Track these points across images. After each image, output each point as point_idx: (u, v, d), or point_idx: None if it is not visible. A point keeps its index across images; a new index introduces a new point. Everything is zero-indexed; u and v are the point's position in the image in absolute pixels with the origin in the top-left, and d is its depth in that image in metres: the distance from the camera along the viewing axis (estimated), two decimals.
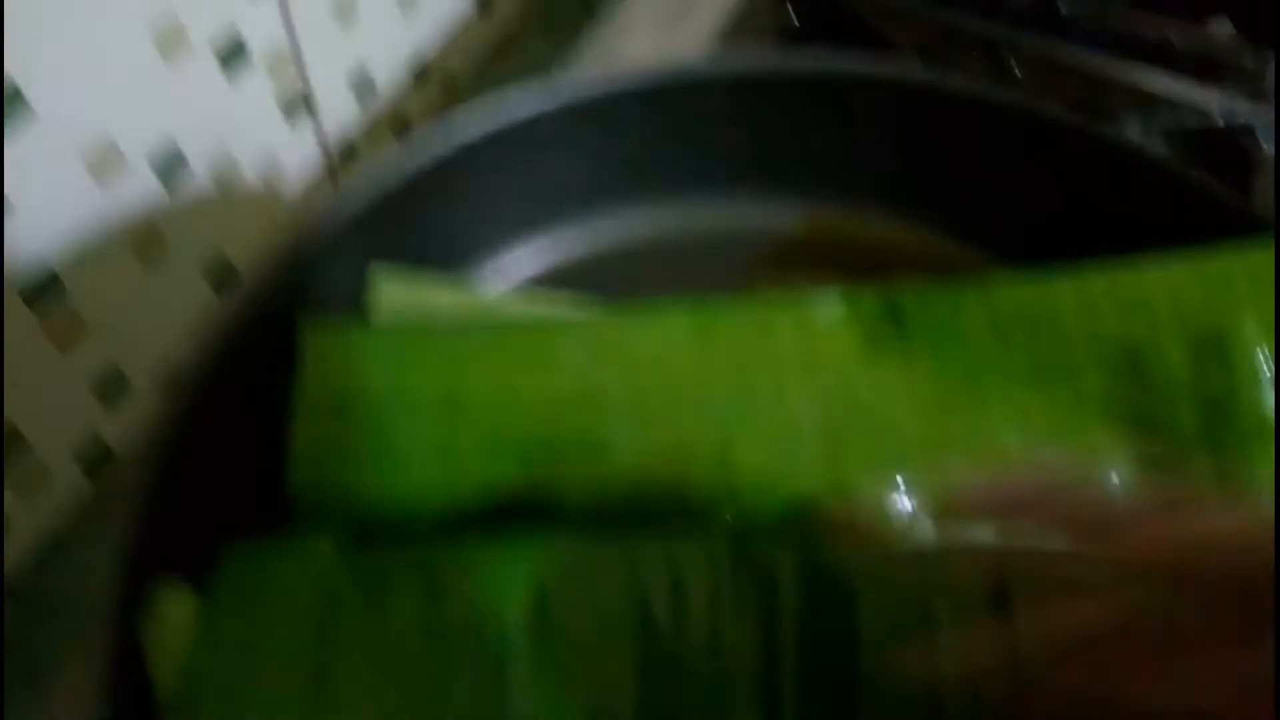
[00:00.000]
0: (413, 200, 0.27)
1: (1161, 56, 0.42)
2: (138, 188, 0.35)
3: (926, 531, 0.23)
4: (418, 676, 0.19)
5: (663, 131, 0.31)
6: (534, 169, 0.30)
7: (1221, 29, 0.43)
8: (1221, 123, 0.38)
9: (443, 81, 0.52)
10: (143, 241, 0.36)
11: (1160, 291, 0.24)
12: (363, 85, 0.46)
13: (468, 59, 0.53)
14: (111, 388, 0.37)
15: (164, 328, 0.39)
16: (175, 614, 0.20)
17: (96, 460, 0.38)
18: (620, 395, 0.24)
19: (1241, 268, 0.24)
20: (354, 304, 0.27)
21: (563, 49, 0.55)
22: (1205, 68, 0.41)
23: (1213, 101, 0.40)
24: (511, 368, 0.24)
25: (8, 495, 0.34)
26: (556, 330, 0.25)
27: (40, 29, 0.29)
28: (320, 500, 0.23)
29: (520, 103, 0.29)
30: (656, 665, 0.20)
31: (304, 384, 0.23)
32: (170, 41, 0.34)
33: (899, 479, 0.23)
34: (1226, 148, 0.38)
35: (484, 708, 0.19)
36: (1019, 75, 0.41)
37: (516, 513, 0.23)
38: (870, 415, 0.24)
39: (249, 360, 0.24)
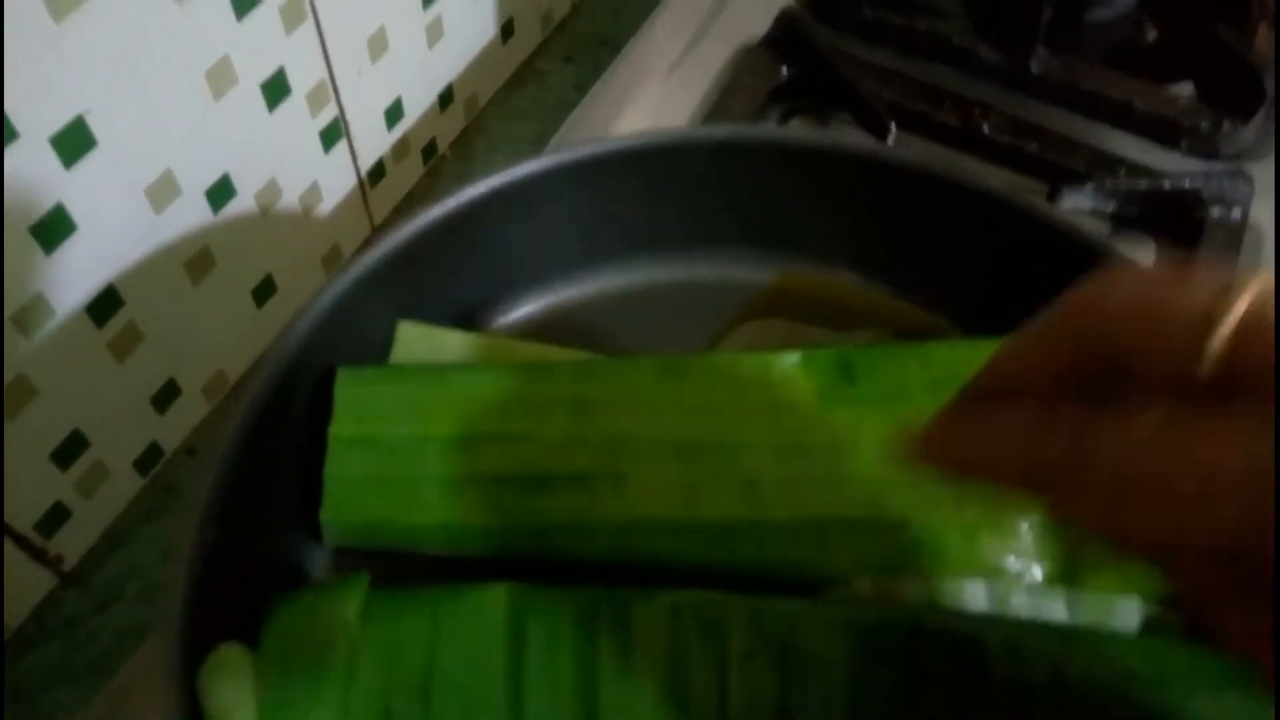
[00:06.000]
0: (428, 254, 0.31)
1: (1123, 117, 0.45)
2: (190, 212, 0.39)
3: (864, 587, 0.28)
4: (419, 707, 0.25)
5: (649, 193, 0.35)
6: (534, 226, 0.34)
7: (1183, 92, 0.46)
8: (1168, 186, 0.41)
9: (465, 104, 0.55)
10: (193, 260, 0.40)
11: None
12: (392, 110, 0.49)
13: (489, 83, 0.57)
14: (163, 393, 0.41)
15: (211, 338, 0.43)
16: (230, 663, 0.24)
17: (149, 460, 0.42)
18: (601, 441, 0.28)
19: None
20: (382, 349, 0.31)
21: (578, 74, 0.59)
22: (1164, 129, 0.44)
23: (1169, 163, 0.43)
24: (509, 413, 0.28)
25: (71, 491, 0.39)
26: (547, 380, 0.29)
27: (103, 69, 0.33)
28: (349, 529, 0.28)
29: (520, 167, 0.33)
30: (615, 703, 0.25)
31: (337, 425, 0.28)
32: (220, 79, 0.38)
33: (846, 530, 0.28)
34: (1177, 211, 0.42)
35: None
36: (987, 132, 0.44)
37: (511, 535, 0.28)
38: (822, 464, 0.28)
39: (290, 405, 0.28)
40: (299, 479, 0.29)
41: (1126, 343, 0.21)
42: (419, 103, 0.51)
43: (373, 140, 0.49)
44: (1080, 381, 0.22)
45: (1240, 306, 0.20)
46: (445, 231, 0.31)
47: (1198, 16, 0.48)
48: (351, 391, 0.28)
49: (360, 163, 0.49)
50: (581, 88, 0.58)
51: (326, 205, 0.47)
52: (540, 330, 0.36)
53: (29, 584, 0.39)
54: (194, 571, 0.23)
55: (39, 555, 0.39)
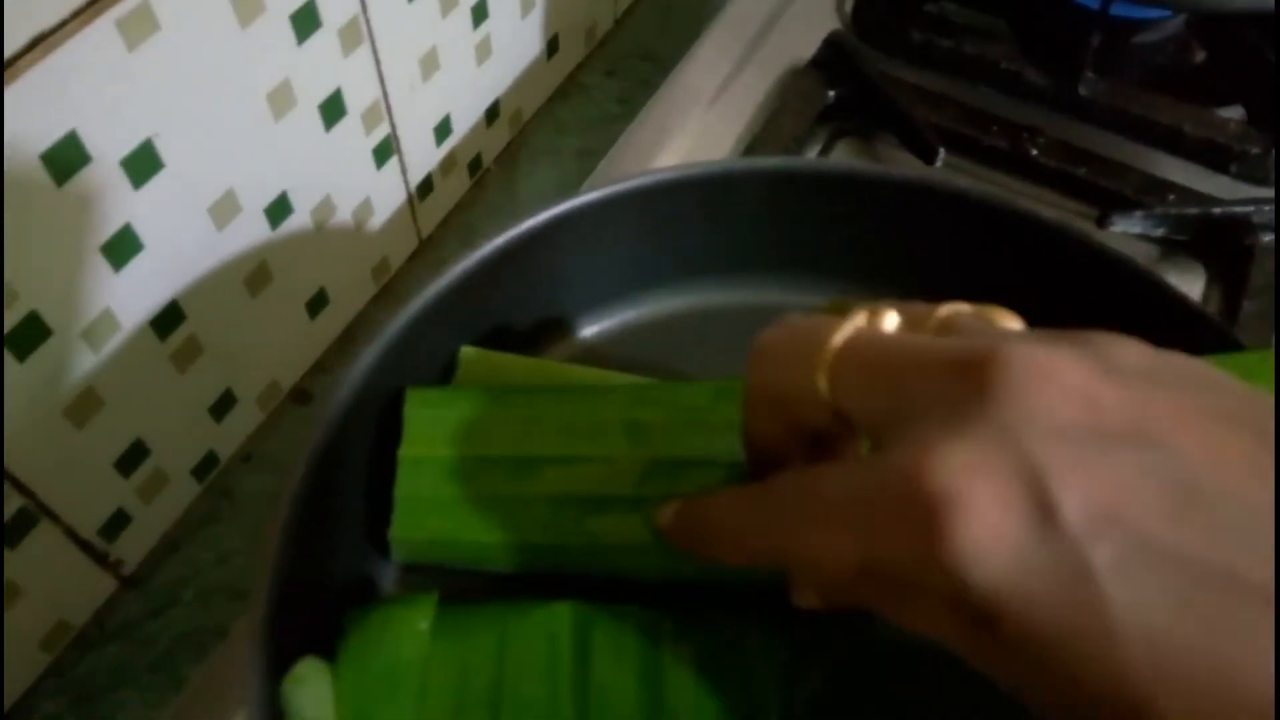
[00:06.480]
0: (489, 282, 0.32)
1: (1173, 142, 0.45)
2: (250, 229, 0.40)
3: None
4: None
5: (702, 220, 0.36)
6: (590, 254, 0.35)
7: (1233, 115, 0.46)
8: (1218, 212, 0.41)
9: (510, 119, 0.56)
10: (252, 275, 0.41)
11: None
12: (442, 127, 0.50)
13: (534, 98, 0.58)
14: (221, 403, 0.43)
15: (266, 349, 0.44)
16: (312, 677, 0.25)
17: (207, 466, 0.43)
18: (656, 463, 0.29)
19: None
20: (444, 371, 0.32)
21: (620, 88, 0.59)
22: (1213, 153, 0.44)
23: (1218, 187, 0.43)
24: (568, 437, 0.29)
25: (133, 497, 0.40)
26: (604, 404, 0.30)
27: (171, 94, 0.34)
28: (416, 546, 0.29)
29: (577, 198, 0.33)
30: (680, 716, 0.26)
31: (407, 447, 0.29)
32: (281, 101, 0.39)
33: None
34: (1227, 237, 0.42)
35: None
36: (1036, 156, 0.44)
37: (570, 554, 0.29)
38: None
39: (358, 425, 0.29)
40: (366, 496, 0.30)
41: (780, 396, 0.23)
42: (467, 119, 0.52)
43: (422, 156, 0.50)
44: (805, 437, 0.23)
45: (828, 351, 0.21)
46: (505, 260, 0.31)
47: (1246, 40, 0.48)
48: (420, 414, 0.29)
49: (410, 178, 0.49)
50: (623, 101, 0.59)
51: (377, 220, 0.48)
52: (596, 354, 0.37)
53: (91, 587, 0.40)
54: (275, 589, 0.24)
55: (101, 559, 0.40)
